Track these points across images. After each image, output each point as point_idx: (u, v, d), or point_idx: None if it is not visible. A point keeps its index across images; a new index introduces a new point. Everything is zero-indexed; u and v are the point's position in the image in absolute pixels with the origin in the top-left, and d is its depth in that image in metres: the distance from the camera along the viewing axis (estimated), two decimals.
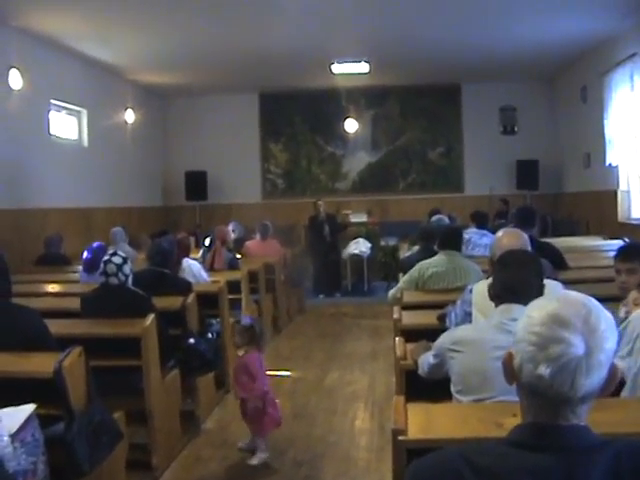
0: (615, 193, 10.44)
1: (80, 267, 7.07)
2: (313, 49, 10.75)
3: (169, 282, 5.48)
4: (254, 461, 4.54)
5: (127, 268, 4.62)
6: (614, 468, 1.34)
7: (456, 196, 14.01)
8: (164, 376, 4.63)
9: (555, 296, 1.48)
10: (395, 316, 4.36)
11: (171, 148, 14.81)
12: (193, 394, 5.29)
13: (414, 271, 5.42)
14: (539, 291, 2.67)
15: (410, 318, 4.37)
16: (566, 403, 1.38)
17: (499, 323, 2.68)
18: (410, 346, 3.56)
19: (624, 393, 2.79)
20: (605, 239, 9.12)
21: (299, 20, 9.01)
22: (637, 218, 9.89)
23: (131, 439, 4.04)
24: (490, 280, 3.02)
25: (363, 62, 11.72)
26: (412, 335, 3.77)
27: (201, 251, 8.21)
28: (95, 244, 6.93)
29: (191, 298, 5.26)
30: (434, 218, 8.02)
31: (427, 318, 4.14)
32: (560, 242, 7.74)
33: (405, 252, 8.04)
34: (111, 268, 4.55)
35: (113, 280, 4.56)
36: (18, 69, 8.81)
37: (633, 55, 9.33)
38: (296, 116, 14.63)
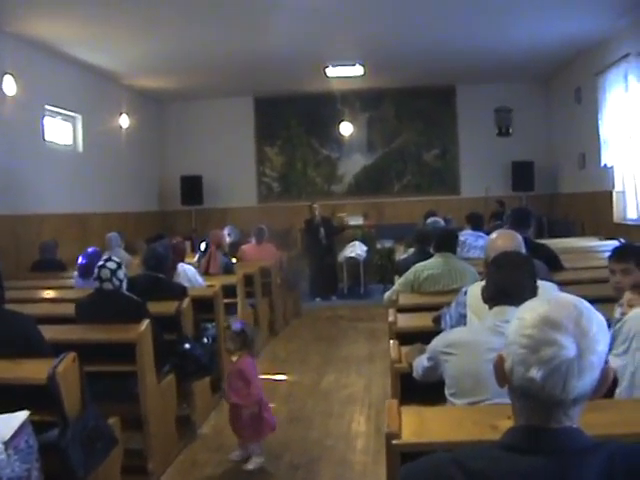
0: (610, 194, 10.45)
1: (75, 273, 7.06)
2: (308, 52, 10.76)
3: (164, 287, 5.47)
4: (250, 466, 4.53)
5: (121, 273, 4.61)
6: (607, 470, 1.33)
7: (452, 198, 14.03)
8: (159, 381, 4.62)
9: (546, 298, 1.47)
10: (390, 319, 4.35)
11: (166, 153, 14.81)
12: (189, 399, 5.28)
13: (409, 273, 5.42)
14: (533, 293, 2.66)
15: (405, 321, 4.36)
16: (558, 405, 1.38)
17: (493, 325, 2.67)
18: (405, 349, 3.55)
19: (619, 390, 2.78)
20: (601, 240, 9.12)
21: (293, 24, 9.01)
22: (632, 219, 9.89)
23: (127, 444, 4.03)
24: (484, 282, 3.01)
25: (358, 65, 11.74)
26: (407, 338, 3.76)
27: (197, 255, 8.21)
28: (90, 249, 6.91)
29: (186, 303, 5.25)
30: (429, 220, 8.03)
31: (422, 321, 4.13)
32: (556, 243, 7.75)
33: (401, 254, 8.03)
34: (105, 273, 4.54)
35: (107, 285, 4.55)
36: (12, 75, 8.80)
37: (627, 55, 9.33)
38: (291, 119, 14.64)
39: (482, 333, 2.71)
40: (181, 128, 14.65)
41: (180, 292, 5.46)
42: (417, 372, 3.07)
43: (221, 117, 14.47)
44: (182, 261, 6.69)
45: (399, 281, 5.52)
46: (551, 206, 13.58)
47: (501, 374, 1.45)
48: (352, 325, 9.77)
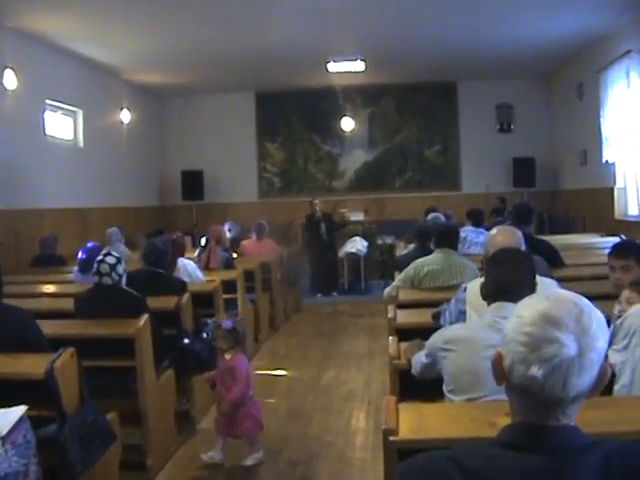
0: (611, 190, 10.44)
1: (75, 267, 7.05)
2: (309, 48, 10.75)
3: (163, 282, 5.46)
4: (249, 461, 4.51)
5: (120, 268, 4.60)
6: (604, 469, 1.32)
7: (453, 194, 14.02)
8: (159, 376, 4.61)
9: (544, 295, 1.45)
10: (390, 315, 4.34)
11: (167, 148, 14.80)
12: (188, 394, 5.28)
13: (410, 269, 5.41)
14: (532, 289, 2.65)
15: (405, 317, 4.35)
16: (557, 404, 1.36)
17: (491, 321, 2.66)
18: (404, 345, 3.54)
19: (618, 387, 2.78)
20: (602, 236, 9.11)
21: (295, 19, 8.99)
22: (633, 215, 9.87)
23: (125, 440, 4.02)
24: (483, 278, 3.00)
25: (359, 60, 11.72)
26: (407, 334, 3.75)
27: (197, 251, 8.20)
28: (90, 244, 6.90)
29: (185, 298, 5.24)
30: (430, 216, 8.02)
31: (422, 317, 4.12)
32: (557, 239, 7.74)
33: (401, 250, 8.01)
34: (104, 268, 4.53)
35: (106, 280, 4.54)
36: (13, 69, 8.79)
37: (629, 52, 9.31)
38: (292, 115, 14.62)
39: (481, 329, 2.70)
40: (182, 123, 14.64)
41: (180, 287, 5.45)
42: (415, 368, 3.06)
43: (222, 112, 14.45)
44: (182, 256, 6.69)
45: (399, 277, 5.51)
46: (552, 202, 13.57)
47: (499, 372, 1.43)
48: (352, 321, 9.77)
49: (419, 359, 3.00)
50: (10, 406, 2.88)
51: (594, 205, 11.25)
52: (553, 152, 13.69)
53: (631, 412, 2.33)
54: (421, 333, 3.45)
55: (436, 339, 2.86)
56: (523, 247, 3.36)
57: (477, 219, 8.24)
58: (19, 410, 2.87)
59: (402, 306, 4.65)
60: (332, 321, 9.88)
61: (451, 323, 3.41)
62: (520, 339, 1.37)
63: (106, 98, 12.09)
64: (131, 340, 4.25)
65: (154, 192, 14.48)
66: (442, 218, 7.91)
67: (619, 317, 2.98)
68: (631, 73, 9.34)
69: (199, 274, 6.69)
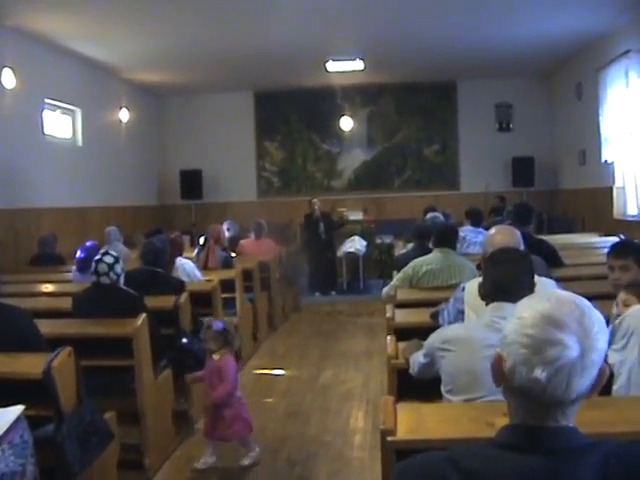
0: (611, 190, 10.43)
1: (74, 267, 7.04)
2: (308, 47, 10.73)
3: (161, 281, 5.45)
4: (246, 461, 4.50)
5: (119, 267, 4.59)
6: (603, 470, 1.32)
7: (452, 193, 14.01)
8: (157, 376, 4.61)
9: (545, 296, 1.44)
10: (388, 314, 4.33)
11: (166, 147, 14.78)
12: (186, 394, 5.26)
13: (408, 268, 5.41)
14: (530, 289, 2.65)
15: (403, 316, 4.34)
16: (558, 405, 1.36)
17: (490, 321, 2.66)
18: (402, 344, 3.54)
19: (617, 386, 2.77)
20: (601, 236, 9.11)
21: (294, 18, 8.98)
22: (633, 215, 9.87)
23: (123, 439, 4.00)
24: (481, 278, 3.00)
25: (358, 59, 11.70)
26: (405, 333, 3.74)
27: (196, 250, 8.19)
28: (88, 243, 6.90)
29: (184, 297, 5.23)
30: (429, 215, 8.01)
31: (420, 316, 4.11)
32: (556, 239, 7.74)
33: (400, 250, 8.01)
34: (102, 267, 4.52)
35: (104, 279, 4.54)
36: (11, 68, 8.77)
37: (627, 52, 9.31)
38: (291, 114, 14.61)
39: (479, 329, 2.70)
40: (181, 122, 14.63)
41: (178, 286, 5.44)
42: (413, 368, 3.05)
43: (221, 111, 14.44)
44: (180, 255, 6.68)
45: (397, 276, 5.51)
46: (551, 202, 13.56)
47: (500, 374, 1.42)
48: (351, 320, 9.77)
49: (417, 359, 3.00)
50: (7, 405, 2.87)
51: (593, 205, 11.25)
52: (552, 152, 13.69)
53: (629, 412, 2.33)
54: (419, 333, 3.44)
55: (434, 339, 2.85)
56: (522, 247, 3.35)
57: (476, 219, 8.24)
58: (16, 410, 2.86)
59: (400, 305, 4.65)
60: (331, 320, 9.87)
61: (449, 323, 3.41)
62: (522, 341, 1.35)
63: (105, 97, 12.08)
64: (129, 339, 4.24)
65: (153, 191, 14.46)
66: (441, 217, 7.90)
67: (617, 317, 2.98)
68: (630, 73, 9.34)
69: (197, 273, 6.69)
